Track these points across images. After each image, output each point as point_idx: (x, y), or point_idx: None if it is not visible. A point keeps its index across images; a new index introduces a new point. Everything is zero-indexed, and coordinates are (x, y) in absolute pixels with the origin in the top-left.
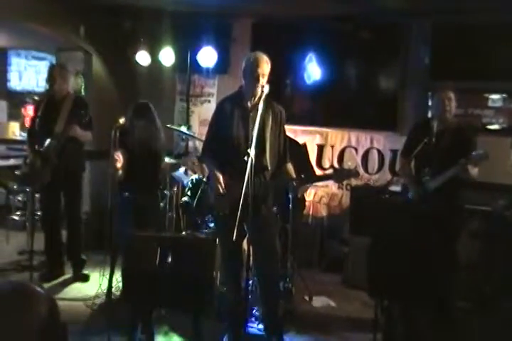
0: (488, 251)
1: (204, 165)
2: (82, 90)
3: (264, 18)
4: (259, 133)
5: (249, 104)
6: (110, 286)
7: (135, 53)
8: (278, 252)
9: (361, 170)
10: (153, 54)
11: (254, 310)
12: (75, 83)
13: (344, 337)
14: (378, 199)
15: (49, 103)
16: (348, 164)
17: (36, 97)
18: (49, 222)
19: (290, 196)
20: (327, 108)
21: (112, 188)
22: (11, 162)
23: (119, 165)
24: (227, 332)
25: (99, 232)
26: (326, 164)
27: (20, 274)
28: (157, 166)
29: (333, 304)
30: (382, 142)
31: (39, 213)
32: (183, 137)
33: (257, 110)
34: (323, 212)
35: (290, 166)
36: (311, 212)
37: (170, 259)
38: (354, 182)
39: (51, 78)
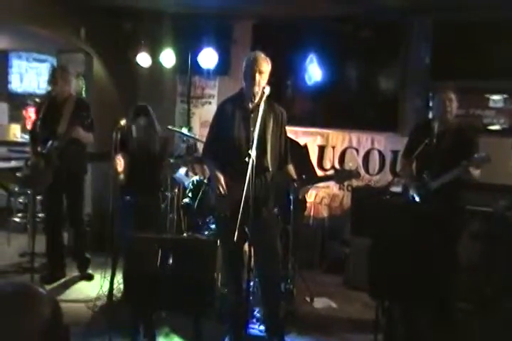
0: (489, 252)
1: (205, 166)
2: (83, 92)
3: (265, 19)
4: (260, 135)
5: (250, 106)
6: (111, 288)
7: (136, 55)
8: (279, 253)
9: (362, 171)
10: (154, 55)
11: (256, 312)
12: (76, 85)
13: (345, 338)
14: (379, 200)
15: (51, 105)
16: (349, 165)
17: (37, 99)
18: (51, 223)
19: (291, 197)
20: (328, 109)
21: (113, 191)
22: (12, 164)
23: (120, 168)
24: (229, 334)
25: (101, 234)
26: (327, 165)
27: (21, 276)
28: (157, 168)
29: (334, 305)
30: (383, 143)
31: (40, 215)
32: (184, 139)
33: (258, 111)
34: (324, 213)
35: (291, 167)
36: (312, 213)
37: (171, 261)
38: (355, 183)
39: (53, 80)
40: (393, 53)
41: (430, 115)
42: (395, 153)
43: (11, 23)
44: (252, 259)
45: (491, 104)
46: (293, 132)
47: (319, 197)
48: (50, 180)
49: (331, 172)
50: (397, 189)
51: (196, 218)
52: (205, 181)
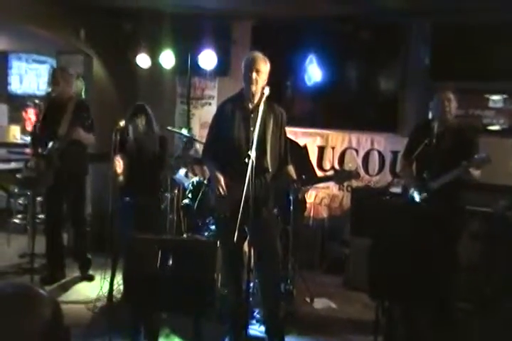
0: (489, 252)
1: (204, 167)
2: (83, 93)
3: (264, 20)
4: (260, 135)
5: (250, 106)
6: (111, 289)
7: (135, 56)
8: (279, 254)
9: (362, 172)
10: (154, 56)
11: (256, 312)
12: (76, 86)
13: (345, 338)
14: (379, 201)
15: (52, 106)
16: (348, 165)
17: (37, 101)
18: (51, 224)
19: (291, 198)
20: (328, 109)
21: (112, 192)
22: (12, 165)
23: (119, 170)
24: (229, 334)
25: (100, 235)
26: (327, 166)
27: (21, 277)
28: (156, 168)
29: (334, 306)
30: (382, 143)
31: (40, 216)
32: (184, 140)
33: (258, 112)
34: (324, 213)
35: (291, 168)
36: (311, 214)
37: (171, 262)
38: (355, 183)
39: (54, 81)
40: (393, 54)
41: (430, 115)
42: (394, 153)
43: (11, 24)
44: (252, 260)
45: (491, 105)
46: (292, 133)
47: (319, 198)
48: (51, 181)
49: (330, 172)
50: (396, 189)
51: (196, 219)
52: (205, 182)
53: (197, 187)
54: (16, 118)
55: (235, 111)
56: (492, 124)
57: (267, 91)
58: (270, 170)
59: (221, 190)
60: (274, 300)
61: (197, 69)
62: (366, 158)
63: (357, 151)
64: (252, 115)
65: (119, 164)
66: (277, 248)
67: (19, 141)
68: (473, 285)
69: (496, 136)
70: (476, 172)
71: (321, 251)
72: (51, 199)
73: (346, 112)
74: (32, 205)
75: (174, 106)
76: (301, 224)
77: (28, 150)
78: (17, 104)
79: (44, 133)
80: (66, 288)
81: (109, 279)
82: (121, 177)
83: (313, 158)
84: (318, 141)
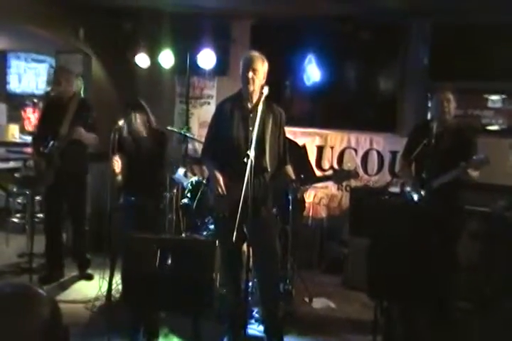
0: (489, 252)
1: (203, 167)
2: (82, 92)
3: (263, 20)
4: (259, 135)
5: (249, 106)
6: (110, 288)
7: (134, 55)
8: (278, 254)
9: (361, 172)
10: (153, 56)
11: (254, 312)
12: (75, 85)
13: (344, 338)
14: (378, 201)
15: (53, 105)
16: (347, 165)
17: (36, 100)
18: (51, 223)
19: (290, 197)
20: (327, 109)
21: (111, 192)
22: (11, 164)
23: (117, 169)
24: (227, 334)
25: (99, 234)
26: (326, 165)
27: (19, 277)
28: (156, 166)
29: (332, 305)
30: (381, 143)
31: (39, 215)
32: (183, 139)
33: (257, 111)
34: (323, 213)
35: (289, 168)
36: (310, 214)
37: (170, 261)
38: (354, 183)
39: (56, 80)
40: (392, 54)
41: (429, 116)
42: (393, 153)
43: (10, 24)
44: (251, 259)
45: (490, 105)
46: (291, 132)
47: (318, 198)
48: (51, 180)
49: (329, 172)
50: (395, 189)
51: (195, 218)
52: (204, 181)
53: (196, 187)
54: (14, 117)
55: (233, 110)
56: (491, 124)
57: (265, 90)
58: (269, 169)
59: (220, 189)
60: (273, 299)
61: (196, 69)
62: (365, 158)
63: (356, 151)
64: (251, 115)
65: (117, 163)
66: (276, 247)
67: (18, 140)
68: (473, 285)
69: (495, 136)
70: (474, 173)
71: (320, 250)
72: (51, 199)
73: (345, 112)
74: (31, 204)
75: (173, 106)
76: (300, 223)
77: (27, 150)
78: (16, 103)
79: (45, 133)
80: (65, 287)
81: (107, 278)
82: (119, 177)
83: (312, 157)
84: (317, 141)
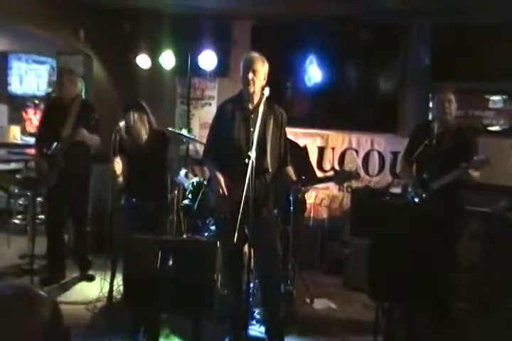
0: (489, 253)
1: (204, 168)
2: (83, 94)
3: (264, 21)
4: (260, 136)
5: (250, 107)
6: (111, 289)
7: (135, 56)
8: (279, 254)
9: (362, 172)
10: (154, 57)
11: (256, 313)
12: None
13: (345, 339)
14: (379, 201)
15: (56, 106)
16: (348, 166)
17: (37, 101)
18: (54, 224)
19: (291, 198)
20: (328, 110)
21: (112, 194)
22: (12, 166)
23: (118, 171)
24: (229, 335)
25: (100, 235)
26: (327, 166)
27: (20, 278)
28: (157, 169)
29: (333, 306)
30: (382, 144)
31: (40, 217)
32: (184, 140)
33: (258, 112)
34: (324, 214)
35: (290, 169)
36: (311, 214)
37: (171, 262)
38: (355, 184)
39: (60, 82)
40: (393, 54)
41: (430, 116)
42: (394, 154)
43: (11, 25)
44: (252, 260)
45: (491, 105)
46: (292, 133)
47: (319, 199)
48: (54, 181)
49: (330, 173)
50: (396, 190)
51: (196, 219)
52: (205, 182)
53: (197, 188)
54: (16, 118)
55: (234, 111)
56: (492, 125)
57: (266, 91)
58: (270, 170)
59: (221, 190)
60: (274, 300)
61: (197, 70)
62: (366, 159)
63: (357, 152)
64: (252, 116)
65: (119, 165)
66: (277, 248)
67: (19, 142)
68: (473, 286)
69: (496, 137)
70: (475, 174)
71: (321, 251)
72: (53, 200)
73: (346, 113)
74: (32, 206)
75: (174, 107)
76: (301, 224)
77: (28, 151)
78: (17, 104)
79: (48, 134)
80: (66, 288)
81: (109, 280)
82: (121, 179)
83: (313, 158)
84: (318, 142)
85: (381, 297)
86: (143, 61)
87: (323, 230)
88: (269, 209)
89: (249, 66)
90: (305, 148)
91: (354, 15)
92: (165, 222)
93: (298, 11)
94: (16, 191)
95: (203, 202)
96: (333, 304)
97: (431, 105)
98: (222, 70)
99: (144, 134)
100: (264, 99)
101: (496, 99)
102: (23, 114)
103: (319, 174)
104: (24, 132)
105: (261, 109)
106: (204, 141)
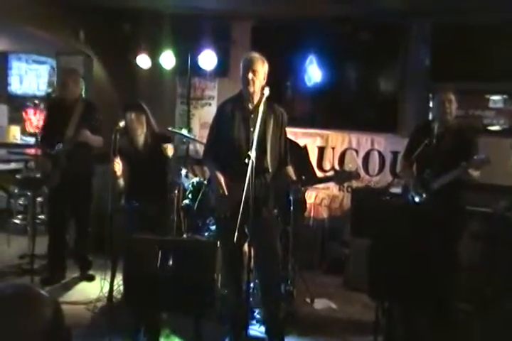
0: (490, 253)
1: (204, 168)
2: (83, 94)
3: (264, 21)
4: (260, 136)
5: (250, 107)
6: (111, 289)
7: (135, 56)
8: (279, 254)
9: (362, 172)
10: (154, 57)
11: (256, 313)
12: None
13: (345, 339)
14: (379, 201)
15: (59, 107)
16: (348, 166)
17: (37, 101)
18: (56, 224)
19: (291, 198)
20: (328, 110)
21: (112, 195)
22: (12, 166)
23: (118, 172)
24: (229, 335)
25: (100, 235)
26: (327, 166)
27: (20, 278)
28: (158, 171)
29: (334, 306)
30: (382, 144)
31: (40, 217)
32: (184, 140)
33: (258, 112)
34: (324, 214)
35: (290, 169)
36: (312, 214)
37: (171, 262)
38: (355, 184)
39: (63, 82)
40: (393, 54)
41: (430, 116)
42: (394, 154)
43: (11, 25)
44: (252, 260)
45: (491, 105)
46: (292, 133)
47: (319, 198)
48: (57, 181)
49: (330, 173)
50: (397, 190)
51: (196, 219)
52: (205, 182)
53: (197, 188)
54: (15, 118)
55: (234, 111)
56: (492, 125)
57: (266, 91)
58: (270, 170)
59: (221, 190)
60: (275, 300)
61: (197, 70)
62: (366, 159)
63: (357, 152)
64: (252, 115)
65: (119, 166)
66: (277, 248)
67: (19, 142)
68: (474, 286)
69: (496, 136)
70: (475, 173)
71: (321, 251)
72: (56, 200)
73: (346, 113)
74: (32, 206)
75: (174, 107)
76: (301, 224)
77: (28, 151)
78: (17, 104)
79: (51, 134)
80: (66, 288)
81: (109, 279)
82: (121, 181)
83: (314, 158)
84: (318, 142)
85: (381, 297)
86: (143, 61)
87: (323, 230)
88: (269, 209)
89: (249, 66)
90: (305, 147)
91: (354, 15)
92: (166, 224)
93: (298, 11)
94: (16, 191)
95: (203, 202)
96: (334, 304)
97: (431, 105)
98: (222, 70)
99: (141, 134)
100: (264, 99)
101: (496, 99)
102: (23, 114)
103: (319, 174)
104: (24, 132)
105: (261, 108)
106: (204, 140)
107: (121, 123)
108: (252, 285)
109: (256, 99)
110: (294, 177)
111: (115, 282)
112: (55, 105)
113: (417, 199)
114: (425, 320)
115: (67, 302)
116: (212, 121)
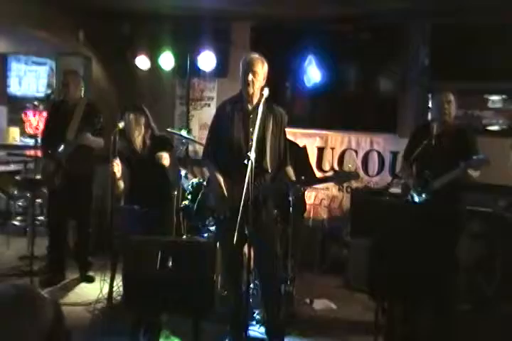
0: (489, 253)
1: (204, 169)
2: (82, 95)
3: (263, 21)
4: (260, 136)
5: (249, 107)
6: (111, 291)
7: (134, 58)
8: (279, 255)
9: (361, 173)
10: (153, 58)
11: (255, 313)
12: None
13: (345, 339)
14: (379, 202)
15: (61, 108)
16: (348, 166)
17: (36, 102)
18: (57, 226)
19: (290, 199)
20: (327, 110)
21: (112, 197)
22: (12, 167)
23: (118, 173)
24: (229, 336)
25: (100, 237)
26: (326, 166)
27: (20, 280)
28: (159, 174)
29: (334, 306)
30: (382, 144)
31: (40, 218)
32: (183, 141)
33: (257, 113)
34: (324, 214)
35: (290, 169)
36: (311, 215)
37: (170, 263)
38: (354, 184)
39: (65, 84)
40: (392, 55)
41: (429, 117)
42: (394, 154)
43: (9, 26)
44: (252, 261)
45: (490, 105)
46: (292, 133)
47: (319, 199)
48: (58, 182)
49: (330, 173)
50: (396, 190)
51: (196, 220)
52: (205, 183)
53: (196, 189)
54: (15, 120)
55: (234, 112)
56: (491, 125)
57: (266, 92)
58: (269, 170)
59: (221, 191)
60: (274, 301)
61: (196, 71)
62: (366, 159)
63: (356, 152)
64: (251, 116)
65: (118, 167)
66: (277, 249)
67: (18, 143)
68: (473, 286)
69: (495, 136)
70: (474, 174)
71: (321, 252)
72: (57, 201)
73: (346, 113)
74: (31, 207)
75: (173, 108)
76: (300, 225)
77: (28, 152)
78: (16, 106)
79: (53, 136)
80: (66, 289)
81: (109, 281)
82: (121, 182)
83: (313, 158)
84: (318, 142)
85: (381, 297)
86: (142, 62)
87: (323, 230)
88: (268, 210)
89: (249, 67)
90: (304, 148)
91: (353, 15)
92: (168, 226)
93: (297, 12)
94: (16, 192)
95: (203, 203)
96: (334, 304)
97: (430, 105)
98: (222, 71)
99: (139, 136)
100: (263, 100)
101: (495, 99)
102: (23, 116)
103: (319, 174)
104: (23, 134)
105: (260, 109)
106: (203, 141)
107: (121, 125)
108: (251, 285)
109: (255, 100)
110: (293, 178)
111: (115, 283)
112: (56, 107)
113: (416, 199)
114: (425, 319)
115: (66, 304)
116: (211, 122)
